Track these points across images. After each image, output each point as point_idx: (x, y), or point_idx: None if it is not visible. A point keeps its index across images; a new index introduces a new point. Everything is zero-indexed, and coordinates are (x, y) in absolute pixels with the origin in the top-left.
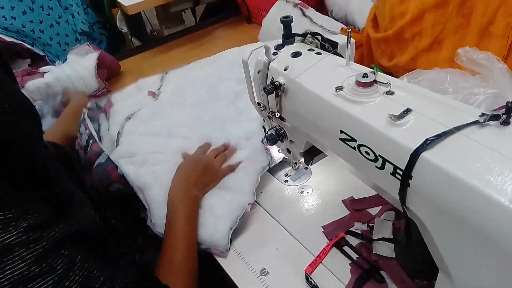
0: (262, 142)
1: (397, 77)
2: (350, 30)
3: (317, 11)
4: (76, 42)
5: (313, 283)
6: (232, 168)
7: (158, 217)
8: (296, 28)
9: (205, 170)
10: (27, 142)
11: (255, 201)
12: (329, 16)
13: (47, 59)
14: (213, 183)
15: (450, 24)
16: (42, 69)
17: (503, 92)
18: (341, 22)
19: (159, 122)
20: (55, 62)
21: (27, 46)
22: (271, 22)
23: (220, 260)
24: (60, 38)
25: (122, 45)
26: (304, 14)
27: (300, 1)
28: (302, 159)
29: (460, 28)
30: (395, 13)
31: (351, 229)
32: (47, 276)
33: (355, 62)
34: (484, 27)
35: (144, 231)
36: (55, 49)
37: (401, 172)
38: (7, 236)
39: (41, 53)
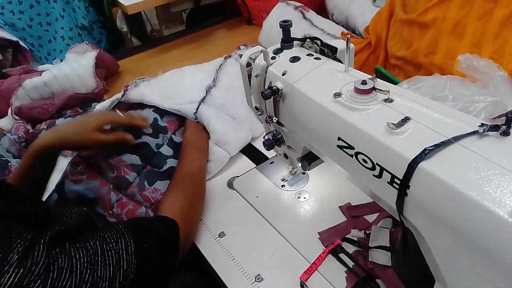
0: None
1: (414, 64)
2: (349, 35)
3: (317, 14)
4: (79, 37)
5: None
6: None
7: None
8: (296, 31)
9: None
10: None
11: (251, 205)
12: (329, 19)
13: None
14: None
15: (475, 9)
16: (40, 67)
17: (503, 100)
18: (342, 26)
19: None
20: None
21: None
22: (272, 24)
23: (214, 266)
24: (64, 33)
25: (122, 45)
26: (304, 17)
27: (301, 4)
28: (300, 164)
29: (484, 15)
30: None
31: (347, 236)
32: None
33: (355, 69)
34: (506, 17)
35: None
36: (59, 43)
37: (398, 182)
38: (6, 276)
39: (27, 47)
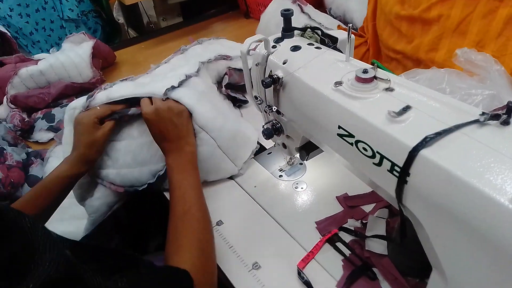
0: None
1: (414, 60)
2: (351, 25)
3: (315, 8)
4: (61, 30)
5: (305, 278)
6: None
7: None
8: (294, 24)
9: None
10: None
11: (249, 194)
12: (327, 13)
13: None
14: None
15: (480, 7)
16: (36, 56)
17: (500, 94)
18: (339, 20)
19: None
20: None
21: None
22: (270, 17)
23: None
24: (45, 24)
25: (118, 36)
26: (302, 11)
27: None
28: (298, 155)
29: (489, 13)
30: None
31: (344, 226)
32: None
33: None
34: (510, 16)
35: None
36: (40, 34)
37: (398, 169)
38: None
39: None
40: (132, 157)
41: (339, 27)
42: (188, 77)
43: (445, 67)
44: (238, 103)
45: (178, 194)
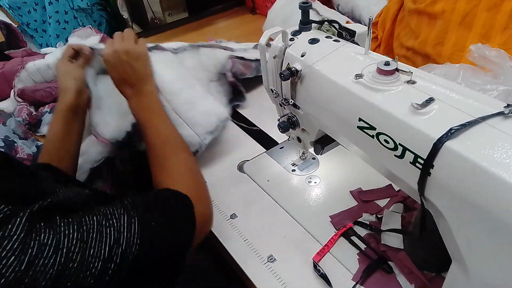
0: None
1: (422, 55)
2: (371, 17)
3: (323, 4)
4: (74, 20)
5: (321, 271)
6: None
7: None
8: None
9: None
10: None
11: (262, 188)
12: (335, 10)
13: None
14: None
15: (485, 0)
16: (43, 50)
17: None
18: (347, 16)
19: None
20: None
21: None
22: (276, 13)
23: (226, 245)
24: (59, 16)
25: (123, 30)
26: (311, 7)
27: None
28: (311, 149)
29: (494, 6)
30: None
31: (359, 220)
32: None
33: None
34: None
35: None
36: (54, 28)
37: (422, 161)
38: None
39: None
40: (116, 110)
41: (347, 23)
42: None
43: (452, 60)
44: (236, 102)
45: (150, 131)
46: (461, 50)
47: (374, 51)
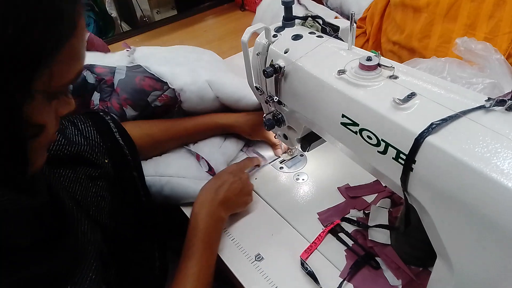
0: None
1: (408, 49)
2: (353, 12)
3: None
4: None
5: (309, 269)
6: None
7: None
8: None
9: (240, 191)
10: None
11: None
12: (324, 5)
13: None
14: (241, 207)
15: None
16: None
17: (500, 83)
18: (336, 12)
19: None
20: None
21: None
22: (265, 9)
23: None
24: None
25: (111, 30)
26: (299, 2)
27: None
28: (299, 146)
29: None
30: None
31: (346, 216)
32: None
33: None
34: None
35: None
36: None
37: (404, 157)
38: None
39: None
40: None
41: (336, 18)
42: None
43: (439, 53)
44: None
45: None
46: (447, 42)
47: (363, 46)
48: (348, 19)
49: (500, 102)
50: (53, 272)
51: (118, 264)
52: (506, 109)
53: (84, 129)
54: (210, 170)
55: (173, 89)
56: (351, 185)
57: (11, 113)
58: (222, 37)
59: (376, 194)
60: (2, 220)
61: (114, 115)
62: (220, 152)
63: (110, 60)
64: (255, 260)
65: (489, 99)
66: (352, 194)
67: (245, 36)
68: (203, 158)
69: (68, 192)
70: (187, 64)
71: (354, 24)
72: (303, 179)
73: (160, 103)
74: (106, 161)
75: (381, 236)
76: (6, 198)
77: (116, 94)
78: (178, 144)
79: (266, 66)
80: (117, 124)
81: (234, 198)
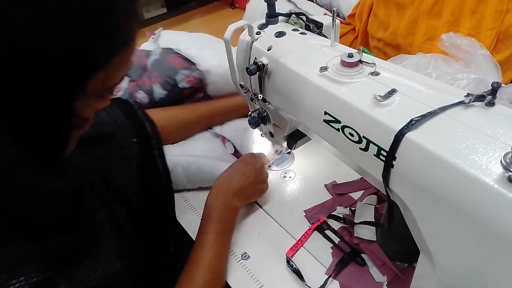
0: None
1: (393, 46)
2: (335, 9)
3: None
4: None
5: (294, 266)
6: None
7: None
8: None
9: (254, 180)
10: None
11: None
12: (313, 2)
13: None
14: (257, 196)
15: None
16: None
17: (485, 78)
18: (326, 9)
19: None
20: None
21: None
22: (255, 7)
23: None
24: None
25: None
26: (289, 0)
27: None
28: (285, 144)
29: None
30: None
31: (333, 213)
32: None
33: None
34: None
35: None
36: None
37: (385, 153)
38: None
39: None
40: None
41: (325, 15)
42: None
43: (423, 50)
44: None
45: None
46: (432, 39)
47: (352, 43)
48: (339, 15)
49: (480, 98)
50: (73, 246)
51: (137, 243)
52: (485, 105)
53: (112, 112)
54: (236, 152)
55: (201, 71)
56: (338, 182)
57: (65, 108)
58: (213, 35)
59: (363, 191)
60: (40, 199)
61: (143, 92)
62: (245, 134)
63: None
64: (242, 259)
65: (468, 94)
66: (339, 191)
67: (228, 34)
68: (228, 140)
69: (96, 171)
70: (212, 49)
71: (337, 20)
72: (290, 177)
73: (187, 84)
74: (134, 140)
75: (367, 233)
76: (45, 181)
77: (148, 73)
78: (205, 126)
79: (250, 63)
80: (139, 104)
81: (248, 186)
